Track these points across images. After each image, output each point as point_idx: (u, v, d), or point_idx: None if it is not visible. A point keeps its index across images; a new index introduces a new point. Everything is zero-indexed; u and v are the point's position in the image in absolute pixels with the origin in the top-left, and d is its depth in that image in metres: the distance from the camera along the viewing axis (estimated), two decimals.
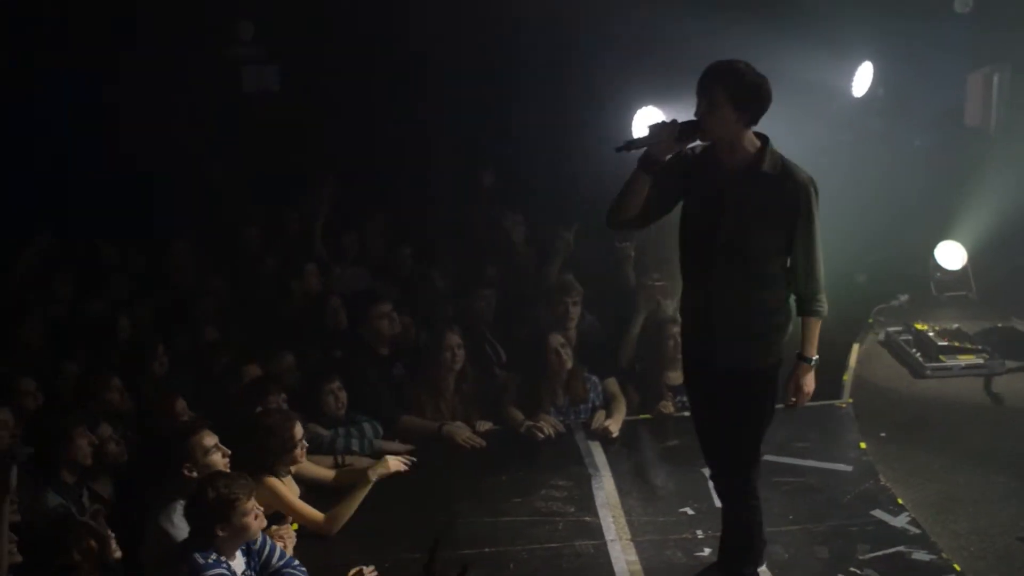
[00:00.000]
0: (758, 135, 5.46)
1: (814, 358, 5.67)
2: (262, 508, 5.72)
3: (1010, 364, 9.01)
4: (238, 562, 5.61)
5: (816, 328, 5.62)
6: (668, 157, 5.40)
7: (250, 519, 5.57)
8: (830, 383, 8.61)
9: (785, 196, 5.38)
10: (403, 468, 6.94)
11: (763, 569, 6.17)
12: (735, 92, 5.29)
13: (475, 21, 11.44)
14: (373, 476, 6.82)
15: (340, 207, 10.70)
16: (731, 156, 5.45)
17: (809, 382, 5.73)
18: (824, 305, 5.58)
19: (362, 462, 7.38)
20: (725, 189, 5.44)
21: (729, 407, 5.73)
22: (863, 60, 11.15)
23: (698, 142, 5.49)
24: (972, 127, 11.90)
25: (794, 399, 5.77)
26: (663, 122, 5.40)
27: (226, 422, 6.74)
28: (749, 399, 5.70)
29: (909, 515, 6.70)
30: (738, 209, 5.42)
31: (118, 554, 5.83)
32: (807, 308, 5.59)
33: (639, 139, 5.43)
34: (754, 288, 5.52)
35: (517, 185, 11.54)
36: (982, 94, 11.82)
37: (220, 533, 5.51)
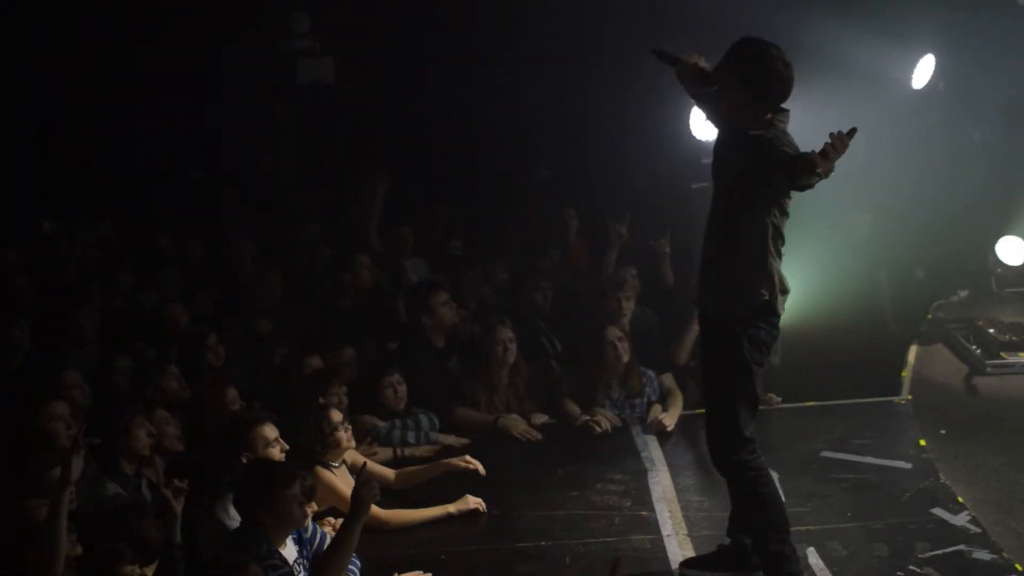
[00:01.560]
0: (775, 111, 5.53)
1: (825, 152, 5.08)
2: (309, 495, 5.71)
3: None
4: (289, 550, 5.63)
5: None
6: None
7: (294, 506, 5.56)
8: (889, 379, 8.56)
9: (746, 157, 5.47)
10: (482, 508, 6.85)
11: (821, 567, 6.12)
12: (744, 68, 5.50)
13: (532, 13, 11.42)
14: (454, 510, 6.77)
15: (396, 200, 10.73)
16: (735, 122, 5.63)
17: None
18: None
19: (422, 451, 7.49)
20: (722, 149, 5.75)
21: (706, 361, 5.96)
22: (925, 52, 11.01)
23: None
24: None
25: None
26: (691, 60, 5.70)
27: (281, 414, 6.78)
28: (710, 353, 5.85)
29: (969, 514, 6.60)
30: (723, 166, 5.69)
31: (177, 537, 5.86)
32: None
33: (669, 56, 5.81)
34: (731, 239, 5.64)
35: (571, 178, 11.52)
36: None
37: (265, 520, 5.53)
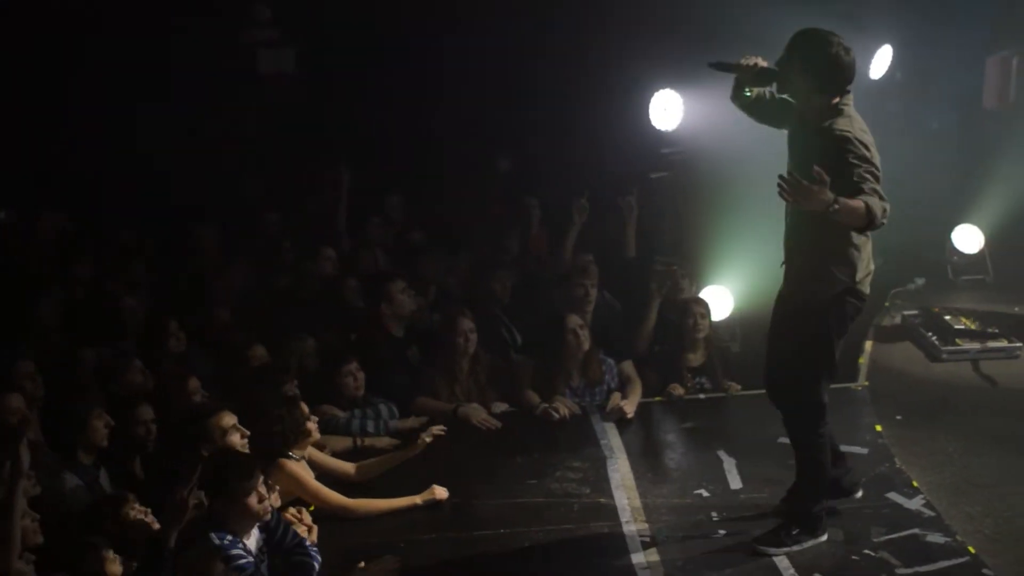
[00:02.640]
0: (841, 95, 5.80)
1: (837, 201, 5.45)
2: (273, 488, 5.73)
3: None
4: (253, 539, 5.64)
5: (855, 202, 5.48)
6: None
7: (256, 497, 5.58)
8: (846, 366, 8.61)
9: (826, 147, 5.68)
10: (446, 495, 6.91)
11: (780, 556, 6.17)
12: (807, 59, 5.76)
13: (492, 4, 11.42)
14: (420, 501, 6.80)
15: (358, 190, 10.71)
16: (804, 112, 5.90)
17: (821, 196, 5.45)
18: (874, 201, 5.51)
19: (382, 441, 7.55)
20: (795, 139, 5.97)
21: (788, 337, 6.15)
22: (882, 43, 11.08)
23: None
24: (990, 110, 11.84)
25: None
26: (750, 62, 5.92)
27: (241, 404, 6.79)
28: (798, 338, 6.05)
29: (924, 498, 6.68)
30: (799, 157, 5.86)
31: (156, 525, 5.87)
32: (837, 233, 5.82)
33: (728, 64, 6.02)
34: (810, 227, 5.84)
35: (532, 168, 11.54)
36: (1000, 77, 11.75)
37: (227, 511, 5.55)
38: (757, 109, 6.19)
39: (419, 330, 8.75)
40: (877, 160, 5.74)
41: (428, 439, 6.96)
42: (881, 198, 5.61)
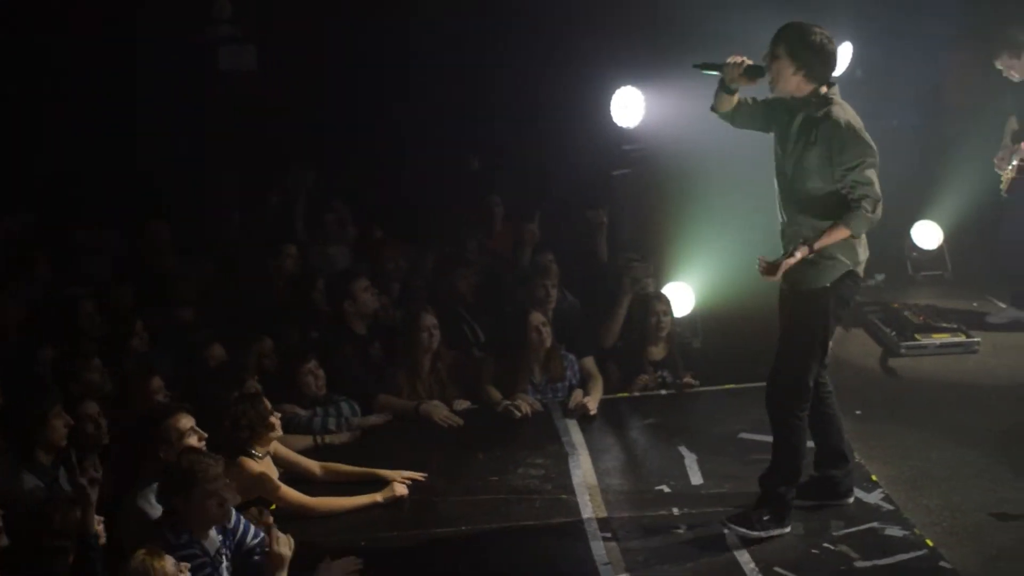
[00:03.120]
0: (827, 84, 6.05)
1: (812, 247, 5.96)
2: (233, 487, 5.71)
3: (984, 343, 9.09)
4: (212, 540, 5.62)
5: (835, 231, 5.98)
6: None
7: (214, 496, 5.56)
8: None
9: (823, 133, 5.97)
10: (404, 492, 6.91)
11: (738, 545, 6.23)
12: (794, 49, 5.97)
13: (456, 1, 11.42)
14: (381, 499, 6.79)
15: (320, 187, 10.69)
16: (794, 101, 6.10)
17: (791, 261, 6.00)
18: (856, 219, 5.95)
19: (343, 439, 7.54)
20: (788, 128, 6.12)
21: (782, 324, 6.33)
22: (843, 40, 11.12)
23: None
24: (949, 107, 11.93)
25: (765, 267, 6.07)
26: (736, 59, 6.06)
27: (203, 404, 6.76)
28: (793, 317, 6.25)
29: (883, 492, 6.74)
30: (796, 143, 6.07)
31: (101, 534, 5.82)
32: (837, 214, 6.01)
33: (714, 64, 6.16)
34: (814, 215, 6.07)
35: (494, 166, 11.54)
36: (959, 74, 11.83)
37: (188, 511, 5.52)
38: (740, 115, 6.33)
39: (382, 327, 8.73)
40: (872, 144, 5.99)
41: (404, 491, 6.89)
42: (870, 197, 5.90)
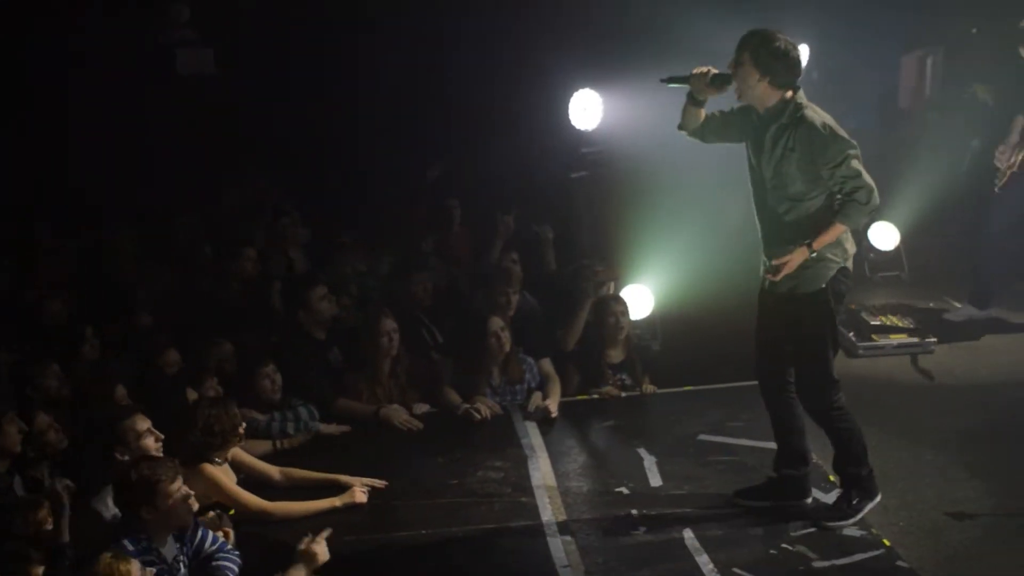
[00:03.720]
0: (792, 89, 6.10)
1: (811, 246, 6.09)
2: (192, 493, 5.68)
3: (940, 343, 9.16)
4: (169, 547, 5.58)
5: (834, 228, 6.10)
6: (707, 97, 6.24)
7: (176, 503, 5.53)
8: None
9: (801, 138, 6.03)
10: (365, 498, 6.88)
11: (697, 547, 6.25)
12: (758, 56, 6.02)
13: (415, 4, 11.40)
14: (340, 503, 6.75)
15: (278, 191, 10.66)
16: (762, 109, 6.15)
17: (792, 262, 6.12)
18: (853, 212, 6.08)
19: (299, 439, 7.48)
20: (762, 136, 6.15)
21: (787, 330, 6.37)
22: (800, 42, 11.16)
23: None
24: (906, 109, 12.03)
25: (774, 267, 6.18)
26: (701, 69, 6.13)
27: (164, 409, 6.73)
28: (800, 322, 6.29)
29: (840, 492, 6.76)
30: (773, 151, 6.11)
31: (66, 537, 5.79)
32: (832, 211, 6.13)
33: (680, 77, 6.22)
34: (799, 218, 6.16)
35: (452, 169, 11.53)
36: (916, 76, 11.95)
37: (146, 517, 5.49)
38: (709, 131, 6.39)
39: (341, 332, 8.71)
40: (850, 139, 6.06)
41: (363, 497, 6.85)
42: (862, 188, 6.01)
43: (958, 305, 9.88)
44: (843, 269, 6.29)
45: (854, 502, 6.47)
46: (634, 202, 9.71)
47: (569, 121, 10.09)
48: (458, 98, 11.57)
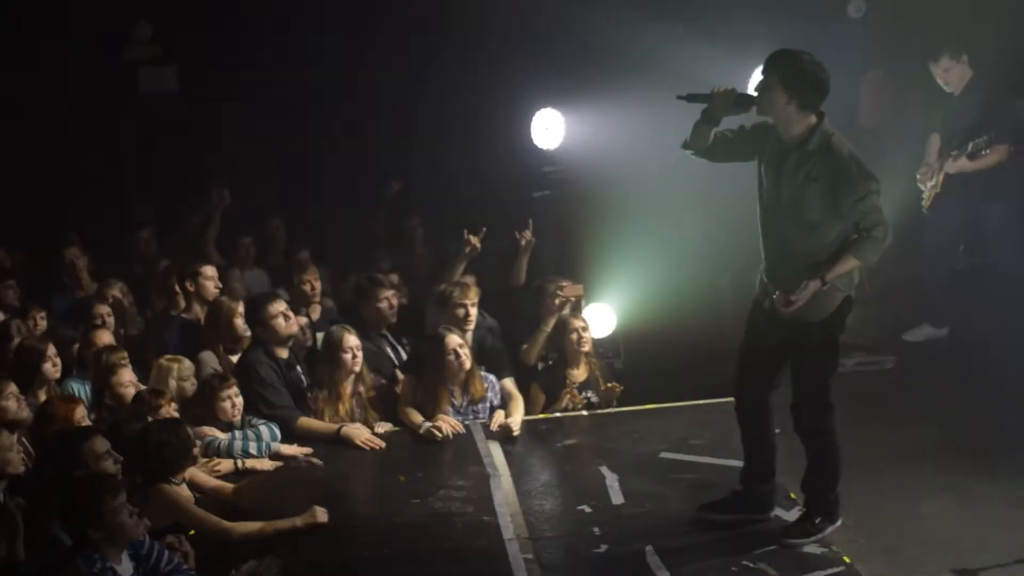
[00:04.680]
0: (818, 114, 6.03)
1: (826, 277, 6.06)
2: (137, 509, 5.63)
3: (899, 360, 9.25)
4: (125, 566, 5.52)
5: (848, 261, 6.08)
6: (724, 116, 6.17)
7: (122, 518, 5.46)
8: (727, 381, 8.73)
9: (826, 168, 5.96)
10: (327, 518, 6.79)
11: (658, 564, 6.24)
12: (786, 78, 5.97)
13: (378, 24, 11.42)
14: (301, 523, 6.66)
15: (238, 210, 10.62)
16: (787, 132, 6.08)
17: (807, 294, 6.09)
18: (870, 247, 6.05)
19: (264, 464, 7.49)
20: (783, 160, 6.09)
21: (787, 353, 6.40)
22: (759, 62, 11.26)
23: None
24: (865, 128, 12.11)
25: (788, 301, 6.14)
26: (724, 88, 6.07)
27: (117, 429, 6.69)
28: (802, 348, 6.31)
29: (801, 509, 6.78)
30: (794, 177, 6.05)
31: (22, 556, 5.74)
32: (846, 244, 6.09)
33: (700, 95, 6.15)
34: (811, 246, 6.13)
35: (415, 187, 11.55)
36: (875, 96, 12.03)
37: (95, 535, 5.43)
38: (719, 150, 6.31)
39: (304, 350, 8.67)
40: (873, 173, 6.01)
41: (324, 517, 6.75)
42: (881, 225, 6.00)
43: (918, 325, 9.93)
44: (849, 299, 6.29)
45: (817, 521, 6.47)
46: (596, 221, 9.75)
47: (532, 140, 10.13)
48: (421, 116, 11.60)
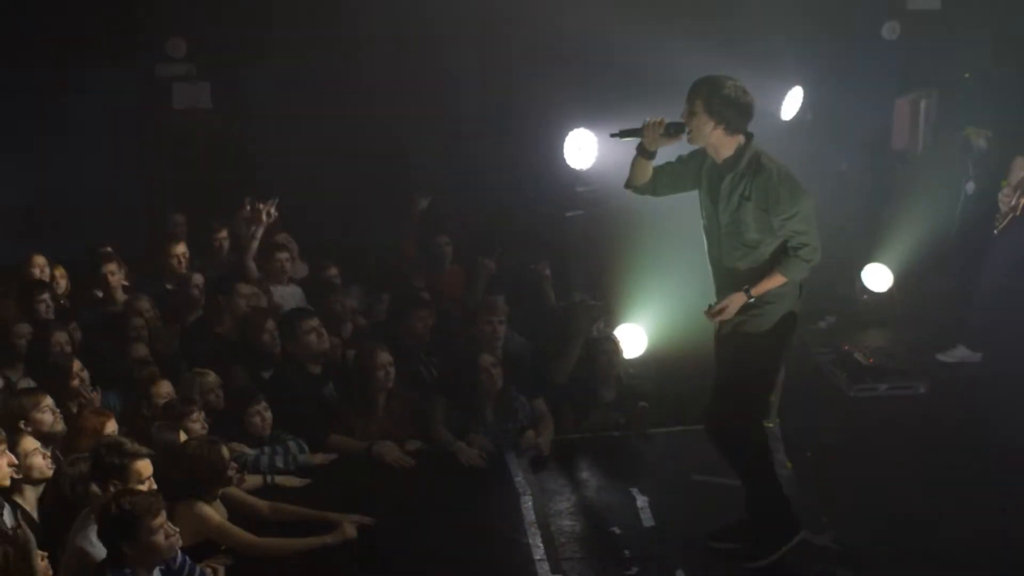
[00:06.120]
0: (746, 135, 6.15)
1: (751, 292, 6.15)
2: (176, 529, 5.63)
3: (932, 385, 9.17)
4: None
5: (773, 278, 6.15)
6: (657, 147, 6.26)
7: (158, 537, 5.47)
8: None
9: (756, 187, 6.06)
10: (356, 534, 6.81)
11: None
12: (710, 105, 6.05)
13: (410, 42, 11.46)
14: (331, 540, 6.68)
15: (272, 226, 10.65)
16: (718, 156, 6.19)
17: (731, 306, 6.19)
18: (794, 266, 6.12)
19: (292, 480, 7.49)
20: (719, 183, 6.18)
21: (722, 368, 6.40)
22: (793, 84, 11.27)
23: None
24: (899, 151, 12.08)
25: (713, 312, 6.26)
26: (654, 120, 6.17)
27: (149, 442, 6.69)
28: (739, 361, 6.29)
29: (833, 533, 6.76)
30: (729, 199, 6.13)
31: (50, 573, 5.75)
32: (774, 261, 6.16)
33: (632, 129, 6.26)
34: (752, 265, 6.21)
35: (447, 207, 11.56)
36: (909, 119, 12.01)
37: (127, 551, 5.44)
38: (661, 183, 6.42)
39: (336, 366, 8.68)
40: (806, 191, 6.12)
41: (353, 533, 6.78)
42: (808, 246, 6.08)
43: (952, 347, 9.86)
44: (791, 315, 6.31)
45: (768, 541, 6.42)
46: (628, 241, 9.73)
47: (564, 160, 10.13)
48: (454, 135, 11.62)
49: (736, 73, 9.52)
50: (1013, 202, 9.26)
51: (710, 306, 6.30)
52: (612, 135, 6.39)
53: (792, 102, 11.29)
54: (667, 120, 6.16)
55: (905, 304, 10.91)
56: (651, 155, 6.28)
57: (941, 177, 11.09)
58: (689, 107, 6.12)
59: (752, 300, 6.16)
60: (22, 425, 6.92)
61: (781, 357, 6.46)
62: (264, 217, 9.78)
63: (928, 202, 10.69)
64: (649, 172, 6.35)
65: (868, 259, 10.89)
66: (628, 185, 6.47)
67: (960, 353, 9.70)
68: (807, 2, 11.20)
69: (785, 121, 11.36)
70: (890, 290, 10.88)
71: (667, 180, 6.42)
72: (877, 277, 10.85)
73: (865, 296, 10.93)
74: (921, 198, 10.80)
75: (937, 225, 10.52)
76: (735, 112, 6.06)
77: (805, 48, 11.30)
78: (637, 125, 6.25)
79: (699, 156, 6.34)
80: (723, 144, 6.14)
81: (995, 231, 9.42)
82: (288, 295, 9.90)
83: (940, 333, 10.10)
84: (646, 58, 9.58)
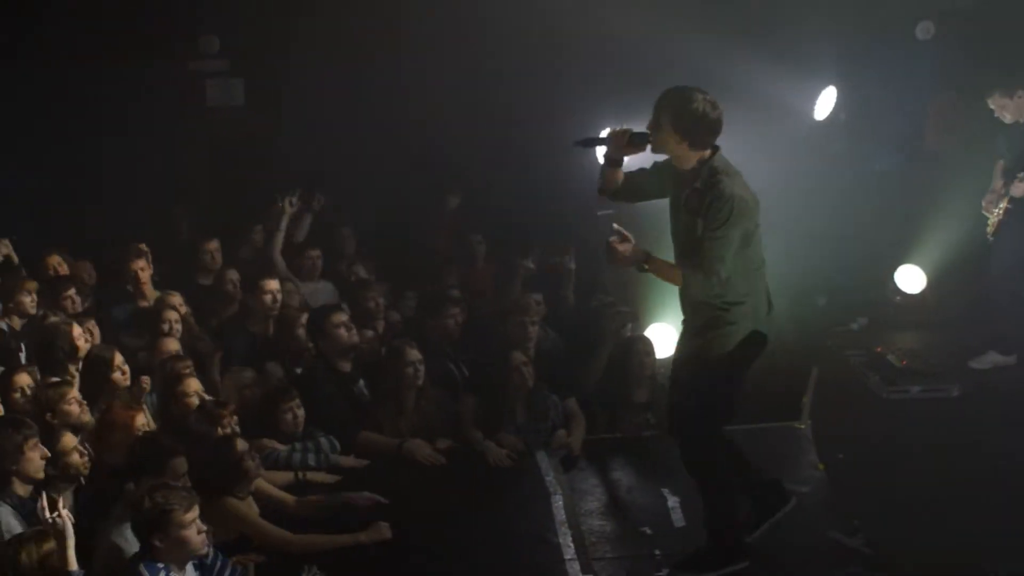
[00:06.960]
0: (712, 148, 6.02)
1: (648, 261, 6.06)
2: (205, 527, 5.65)
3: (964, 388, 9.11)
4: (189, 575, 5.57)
5: (673, 273, 6.09)
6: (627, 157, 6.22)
7: (190, 532, 5.50)
8: (790, 405, 8.67)
9: (704, 202, 5.94)
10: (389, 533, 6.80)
11: None
12: (677, 118, 5.93)
13: (443, 41, 11.47)
14: (365, 538, 6.69)
15: (304, 222, 10.70)
16: (682, 169, 6.09)
17: (628, 254, 6.04)
18: (692, 279, 5.99)
19: (323, 476, 7.52)
20: (680, 193, 6.11)
21: (683, 391, 6.34)
22: (827, 84, 11.23)
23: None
24: (933, 151, 12.00)
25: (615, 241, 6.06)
26: (618, 129, 6.12)
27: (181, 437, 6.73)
28: (701, 380, 6.19)
29: (864, 536, 6.73)
30: (686, 213, 6.06)
31: (74, 566, 5.77)
32: (688, 263, 6.04)
33: (597, 139, 6.30)
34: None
35: (479, 204, 11.57)
36: (944, 119, 11.92)
37: (159, 544, 5.46)
38: (630, 191, 6.36)
39: (367, 364, 8.70)
40: (753, 217, 5.98)
41: (388, 532, 6.77)
42: (714, 273, 5.91)
43: (983, 353, 9.78)
44: (755, 333, 6.16)
45: (712, 558, 6.33)
46: (660, 240, 9.69)
47: (596, 158, 10.10)
48: (486, 133, 11.62)
49: (770, 72, 9.57)
50: (997, 207, 9.26)
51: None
52: (575, 143, 6.37)
53: (826, 102, 11.24)
54: (633, 130, 6.09)
55: (938, 306, 10.84)
56: (617, 164, 6.23)
57: (974, 179, 10.99)
58: (655, 119, 6.02)
59: (647, 268, 6.05)
60: (49, 417, 6.98)
61: (740, 380, 6.31)
62: (288, 207, 9.81)
63: (962, 203, 10.59)
64: (619, 179, 6.29)
65: (901, 260, 10.83)
66: (601, 191, 6.38)
67: (991, 359, 9.62)
68: (841, 2, 11.14)
69: (819, 121, 11.32)
70: (923, 292, 10.82)
71: (637, 188, 6.35)
72: (910, 279, 10.79)
73: (898, 298, 10.88)
74: (955, 198, 10.71)
75: (968, 227, 10.43)
76: (702, 128, 5.94)
77: (839, 48, 11.25)
78: (591, 137, 6.31)
79: (668, 163, 6.23)
80: (686, 158, 6.03)
81: (988, 236, 9.39)
82: (319, 291, 9.93)
83: (974, 335, 10.03)
84: (680, 57, 9.55)
